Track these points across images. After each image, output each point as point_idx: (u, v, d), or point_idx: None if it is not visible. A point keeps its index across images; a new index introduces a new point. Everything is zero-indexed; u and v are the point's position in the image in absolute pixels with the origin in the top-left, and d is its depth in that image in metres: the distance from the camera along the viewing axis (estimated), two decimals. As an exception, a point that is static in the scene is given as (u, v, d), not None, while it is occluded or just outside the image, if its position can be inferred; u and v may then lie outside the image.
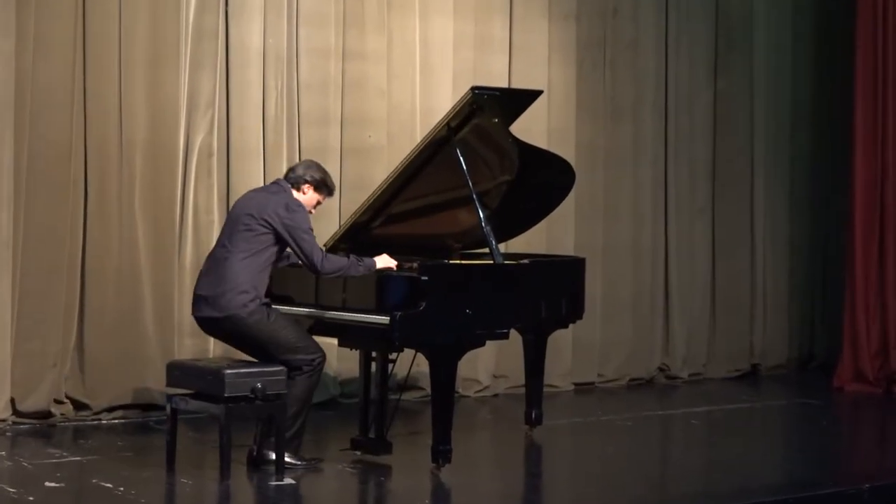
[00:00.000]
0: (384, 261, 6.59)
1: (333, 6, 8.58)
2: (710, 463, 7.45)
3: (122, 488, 6.12)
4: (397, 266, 6.58)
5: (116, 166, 7.89)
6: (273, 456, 6.38)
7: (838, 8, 10.80)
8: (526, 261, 7.09)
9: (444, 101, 8.76)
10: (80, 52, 7.75)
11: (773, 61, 10.74)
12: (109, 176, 7.87)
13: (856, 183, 10.03)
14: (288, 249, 6.57)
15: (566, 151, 8.78)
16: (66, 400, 7.78)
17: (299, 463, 6.51)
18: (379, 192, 7.07)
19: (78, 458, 6.82)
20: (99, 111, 7.82)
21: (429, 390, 6.80)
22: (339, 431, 7.45)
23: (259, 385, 6.23)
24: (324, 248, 6.72)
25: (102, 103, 7.82)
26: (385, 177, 7.18)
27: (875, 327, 9.98)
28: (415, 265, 6.57)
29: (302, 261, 6.49)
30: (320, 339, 6.85)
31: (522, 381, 7.92)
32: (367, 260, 6.55)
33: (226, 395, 6.19)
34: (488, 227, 6.75)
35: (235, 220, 6.49)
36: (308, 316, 6.81)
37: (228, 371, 6.22)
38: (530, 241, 8.45)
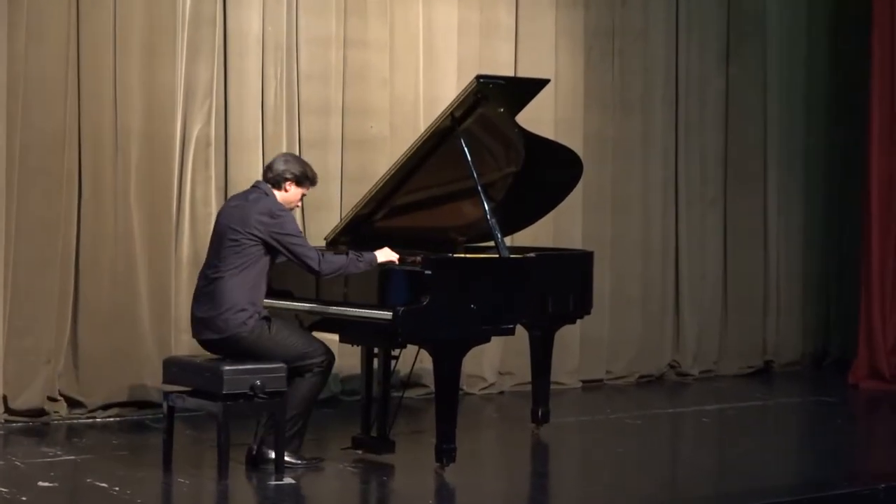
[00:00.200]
0: (386, 254, 6.57)
1: (334, -7, 8.58)
2: (721, 463, 7.45)
3: (117, 488, 6.11)
4: (399, 260, 6.56)
5: (111, 157, 7.88)
6: (273, 455, 6.37)
7: (854, -7, 10.80)
8: (532, 254, 7.08)
9: (448, 90, 8.75)
10: (73, 39, 7.73)
11: (786, 49, 10.72)
12: (104, 167, 7.86)
13: (872, 175, 10.01)
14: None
15: (574, 142, 8.76)
16: (59, 397, 7.78)
17: (299, 462, 6.51)
18: (381, 183, 7.06)
19: (72, 458, 6.82)
20: (93, 100, 7.81)
21: (432, 387, 6.80)
22: (341, 430, 7.44)
23: (258, 382, 6.22)
24: (323, 247, 6.71)
25: (97, 92, 7.81)
26: (387, 168, 7.17)
27: (891, 323, 9.98)
28: (418, 259, 6.55)
29: (299, 266, 6.48)
30: (321, 336, 6.84)
31: (529, 378, 7.91)
32: (367, 255, 6.53)
33: (224, 392, 6.18)
34: (493, 220, 6.74)
35: (221, 236, 6.45)
36: (308, 311, 6.80)
37: (227, 368, 6.21)
38: (537, 235, 8.46)
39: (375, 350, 7.01)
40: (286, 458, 6.37)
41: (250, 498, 6.22)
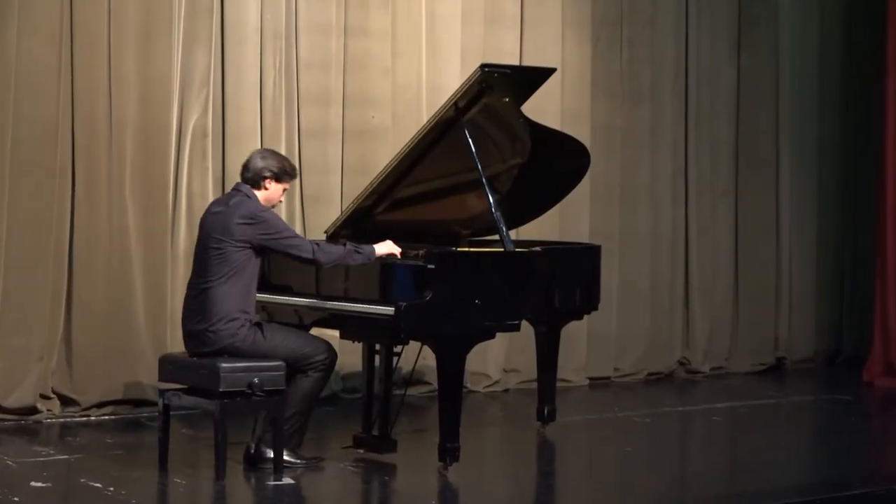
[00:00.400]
0: (386, 247, 6.56)
1: (335, -21, 8.58)
2: (732, 462, 7.44)
3: (111, 488, 6.11)
4: (401, 254, 6.56)
5: (105, 149, 7.87)
6: (271, 454, 6.36)
7: (868, -21, 10.78)
8: (538, 248, 7.08)
9: (451, 79, 8.74)
10: (66, 27, 7.72)
11: (799, 37, 10.71)
12: (98, 159, 7.85)
13: (887, 166, 10.01)
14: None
15: (581, 133, 8.75)
16: (52, 395, 7.78)
17: (299, 462, 6.50)
18: (383, 175, 7.06)
19: (65, 457, 6.82)
20: (87, 91, 7.80)
21: (435, 385, 6.80)
22: (341, 428, 7.44)
23: (256, 380, 6.22)
24: (321, 239, 6.69)
25: (91, 83, 7.81)
26: (389, 160, 7.16)
27: (907, 319, 9.97)
28: (421, 253, 6.55)
29: (295, 260, 6.46)
30: (322, 332, 6.84)
31: (534, 375, 7.91)
32: (366, 247, 6.52)
33: (221, 390, 6.18)
34: (498, 213, 6.73)
35: (205, 246, 6.42)
36: (308, 307, 6.79)
37: (224, 365, 6.21)
38: (543, 228, 8.44)
39: (377, 347, 7.01)
40: (285, 458, 6.37)
41: (248, 498, 6.22)
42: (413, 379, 8.12)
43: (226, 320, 6.31)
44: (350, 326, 6.79)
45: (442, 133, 6.93)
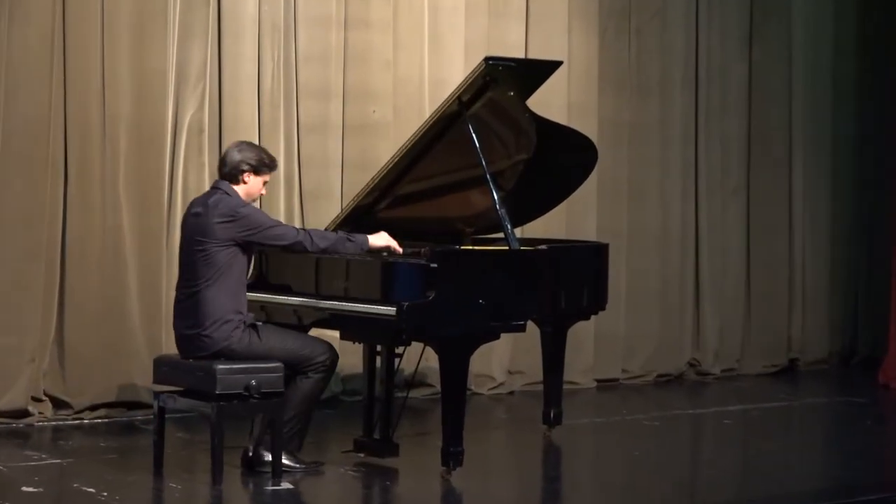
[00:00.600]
0: (382, 239, 6.55)
1: (334, -30, 8.58)
2: (744, 467, 7.44)
3: (105, 493, 6.11)
4: (398, 247, 6.53)
5: (99, 145, 7.87)
6: (270, 457, 6.36)
7: (884, -29, 10.78)
8: (544, 246, 7.08)
9: (454, 72, 8.74)
10: (58, 19, 7.72)
11: (812, 30, 10.71)
12: (91, 155, 7.85)
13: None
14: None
15: (588, 128, 8.76)
16: (44, 398, 7.78)
17: (298, 466, 6.50)
18: (384, 171, 7.05)
19: (58, 461, 6.82)
20: (80, 85, 7.80)
21: (438, 387, 6.79)
22: (341, 432, 7.44)
23: (254, 382, 6.22)
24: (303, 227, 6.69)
25: (83, 76, 7.81)
26: (391, 155, 7.16)
27: (924, 319, 9.97)
28: (424, 251, 6.54)
29: (286, 251, 6.46)
30: (321, 333, 6.84)
31: (540, 377, 7.90)
32: (358, 237, 6.51)
33: (218, 392, 6.18)
34: (503, 210, 6.73)
35: (188, 249, 6.41)
36: (307, 306, 6.78)
37: (221, 367, 6.21)
38: (549, 226, 8.44)
39: (378, 348, 7.00)
40: (284, 462, 6.37)
41: (246, 504, 6.24)
42: (415, 381, 8.12)
43: (219, 323, 6.31)
44: (350, 327, 6.79)
45: (445, 128, 6.93)
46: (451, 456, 6.47)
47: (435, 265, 6.35)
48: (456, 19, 9.01)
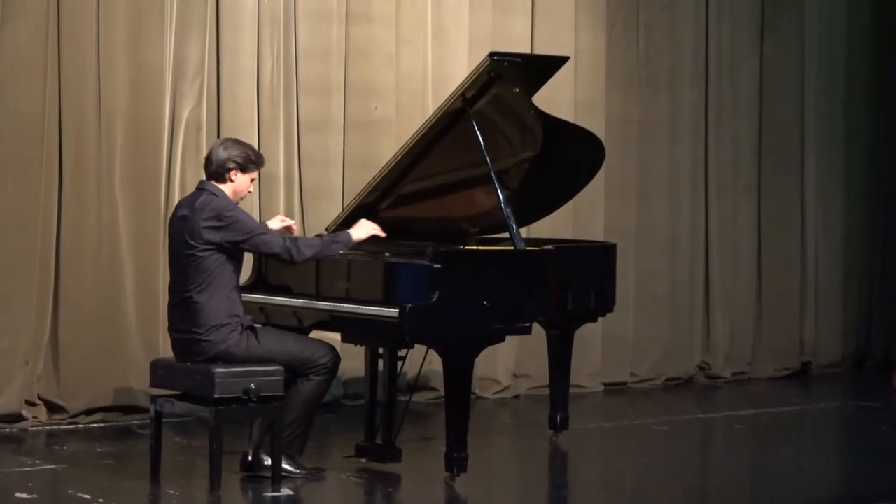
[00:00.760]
0: (364, 230, 6.53)
1: (335, -37, 8.58)
2: (755, 473, 7.44)
3: (101, 500, 6.11)
4: (380, 232, 6.51)
5: (94, 142, 7.87)
6: (269, 461, 6.36)
7: (899, -37, 10.78)
8: (550, 247, 7.07)
9: (458, 68, 8.75)
10: (53, 13, 7.72)
11: (826, 24, 10.71)
12: (86, 153, 7.85)
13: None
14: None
15: (595, 125, 8.75)
16: (38, 402, 7.79)
17: (298, 472, 6.50)
18: (386, 170, 7.05)
19: (52, 467, 6.82)
20: (74, 81, 7.80)
21: (442, 391, 6.79)
22: (343, 437, 7.45)
23: (253, 386, 6.21)
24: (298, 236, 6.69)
25: (78, 72, 7.81)
26: (393, 153, 7.16)
27: (940, 321, 9.99)
28: (427, 251, 6.55)
29: (272, 259, 6.44)
30: (322, 336, 6.84)
31: (546, 380, 7.91)
32: (341, 235, 6.50)
33: (216, 396, 6.17)
34: (508, 210, 6.73)
35: (177, 253, 6.38)
36: (308, 308, 6.78)
37: (219, 370, 6.20)
38: (555, 225, 8.45)
39: (380, 350, 7.00)
40: (284, 467, 6.37)
41: (245, 511, 6.24)
42: (418, 385, 8.11)
43: (215, 327, 6.29)
44: (352, 329, 6.80)
45: (449, 125, 6.93)
46: (455, 461, 6.47)
47: (438, 266, 6.35)
48: (460, 14, 9.01)
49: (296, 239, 6.44)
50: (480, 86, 6.82)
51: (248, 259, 6.72)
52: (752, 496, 6.88)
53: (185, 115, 8.12)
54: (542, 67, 7.15)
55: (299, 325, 6.81)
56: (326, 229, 7.32)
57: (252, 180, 6.53)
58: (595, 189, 8.84)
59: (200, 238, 6.28)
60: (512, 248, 6.73)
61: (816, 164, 10.70)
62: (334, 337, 7.08)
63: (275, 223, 6.68)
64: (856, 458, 7.86)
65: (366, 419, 7.07)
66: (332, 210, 8.09)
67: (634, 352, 9.84)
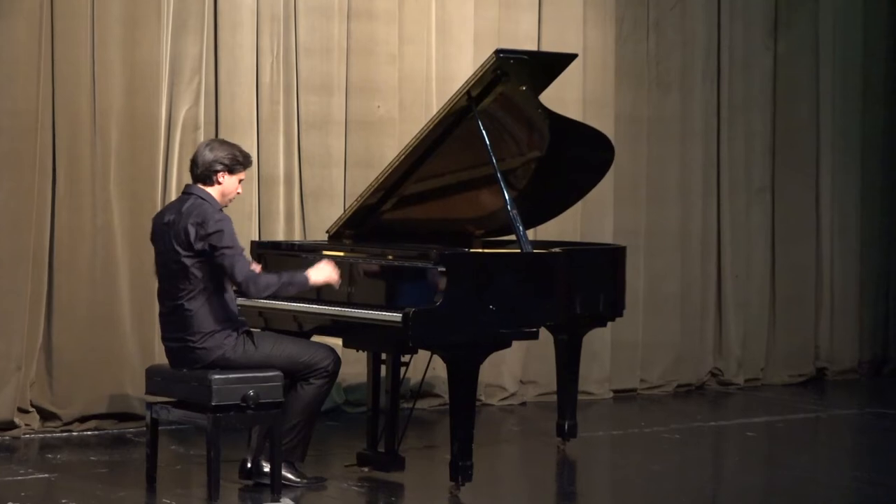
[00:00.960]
0: (323, 273, 6.46)
1: (337, -42, 8.58)
2: (768, 482, 7.43)
3: (95, 510, 6.13)
4: (337, 278, 6.47)
5: (89, 142, 7.88)
6: (269, 469, 6.36)
7: (917, -41, 10.78)
8: (558, 249, 7.06)
9: (463, 66, 8.75)
10: (46, 10, 7.73)
11: (841, 21, 10.70)
12: (81, 153, 7.86)
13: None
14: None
15: (604, 124, 8.76)
16: (31, 409, 7.79)
17: (299, 481, 6.50)
18: (389, 170, 7.05)
19: (45, 476, 6.82)
20: (69, 78, 7.81)
21: (446, 398, 6.79)
22: (344, 445, 7.45)
23: (251, 392, 6.21)
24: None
25: (73, 69, 7.82)
26: (396, 153, 7.16)
27: (959, 326, 9.98)
28: (432, 253, 6.54)
29: (234, 285, 6.37)
30: (323, 340, 6.83)
31: (554, 387, 7.89)
32: (298, 275, 6.41)
33: (213, 403, 6.17)
34: (514, 211, 6.73)
35: (164, 261, 6.37)
36: (309, 313, 6.78)
37: (216, 377, 6.20)
38: (563, 227, 8.44)
39: (383, 356, 7.00)
40: (284, 475, 6.36)
41: (243, 521, 6.24)
42: (422, 391, 8.11)
43: (210, 335, 6.28)
44: (354, 334, 6.79)
45: (453, 124, 6.93)
46: (460, 470, 6.47)
47: (443, 269, 6.34)
48: (465, 10, 9.01)
49: (258, 276, 6.37)
50: (486, 84, 6.81)
51: (246, 262, 6.72)
52: (766, 506, 6.90)
53: (182, 115, 8.13)
54: (549, 65, 7.16)
55: (299, 329, 6.82)
56: (327, 231, 7.32)
57: (240, 181, 6.51)
58: (604, 190, 8.84)
59: (189, 246, 6.25)
60: (518, 250, 6.72)
61: (831, 163, 10.69)
62: (336, 342, 7.07)
63: None
64: (872, 466, 7.85)
65: (368, 427, 7.07)
66: (333, 211, 8.09)
67: (644, 357, 9.83)
